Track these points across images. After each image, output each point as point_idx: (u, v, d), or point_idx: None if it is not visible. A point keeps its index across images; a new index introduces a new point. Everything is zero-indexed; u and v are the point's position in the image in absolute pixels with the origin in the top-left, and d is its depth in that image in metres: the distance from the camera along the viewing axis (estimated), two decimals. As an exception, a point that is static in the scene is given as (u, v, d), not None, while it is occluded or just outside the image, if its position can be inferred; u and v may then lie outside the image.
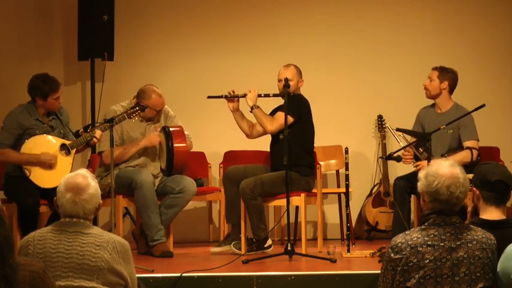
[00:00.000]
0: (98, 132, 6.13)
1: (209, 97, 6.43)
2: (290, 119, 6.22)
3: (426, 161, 6.10)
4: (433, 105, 6.69)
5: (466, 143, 6.44)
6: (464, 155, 6.33)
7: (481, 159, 6.30)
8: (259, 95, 6.38)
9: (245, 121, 6.55)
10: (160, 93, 6.46)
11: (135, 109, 6.18)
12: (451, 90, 6.61)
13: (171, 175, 6.44)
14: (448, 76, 6.58)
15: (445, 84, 6.57)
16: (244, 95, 6.39)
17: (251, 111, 6.36)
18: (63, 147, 6.21)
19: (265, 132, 6.55)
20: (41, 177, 6.12)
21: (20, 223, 6.07)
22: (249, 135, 6.60)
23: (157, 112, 6.48)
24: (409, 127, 6.74)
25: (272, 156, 6.52)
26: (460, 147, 6.46)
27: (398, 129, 6.50)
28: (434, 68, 6.63)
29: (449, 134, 6.47)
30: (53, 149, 6.19)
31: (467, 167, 6.00)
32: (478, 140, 6.47)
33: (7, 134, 6.19)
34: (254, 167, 6.54)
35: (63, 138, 6.29)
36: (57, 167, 6.15)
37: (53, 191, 3.68)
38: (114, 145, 5.92)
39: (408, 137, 6.59)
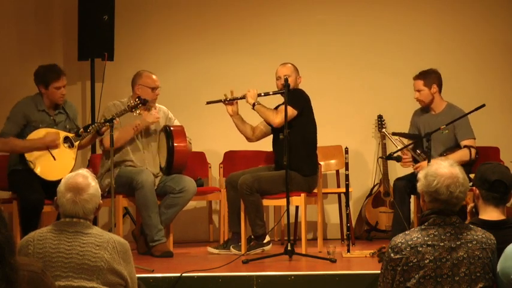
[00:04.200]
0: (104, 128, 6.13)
1: (208, 103, 6.45)
2: (294, 112, 6.24)
3: (426, 162, 6.11)
4: (426, 108, 6.67)
5: (463, 142, 6.45)
6: (462, 154, 6.35)
7: (481, 159, 6.30)
8: (259, 94, 6.39)
9: (246, 125, 6.55)
10: (152, 73, 6.52)
11: (136, 101, 6.21)
12: (440, 90, 6.60)
13: (170, 174, 6.45)
14: (434, 78, 6.56)
15: (434, 87, 6.56)
16: (243, 97, 6.39)
17: (253, 108, 6.35)
18: (66, 139, 6.23)
19: (266, 135, 6.57)
20: (45, 170, 6.12)
21: (22, 219, 6.05)
22: (251, 139, 6.60)
23: (153, 91, 6.48)
24: (409, 128, 6.76)
25: (275, 155, 6.51)
26: (456, 146, 6.47)
27: (394, 134, 6.52)
28: (416, 77, 6.58)
29: (445, 134, 6.47)
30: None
31: (466, 165, 6.05)
32: (474, 139, 6.48)
33: (12, 124, 6.21)
34: (256, 170, 6.53)
35: (69, 133, 6.31)
36: (61, 159, 6.16)
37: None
38: (113, 142, 5.93)
39: (406, 140, 6.59)
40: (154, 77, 6.53)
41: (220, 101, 6.44)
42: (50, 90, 6.23)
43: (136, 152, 6.50)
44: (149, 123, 6.46)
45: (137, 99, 6.27)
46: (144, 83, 6.48)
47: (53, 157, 6.17)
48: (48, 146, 6.15)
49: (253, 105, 6.34)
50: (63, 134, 6.25)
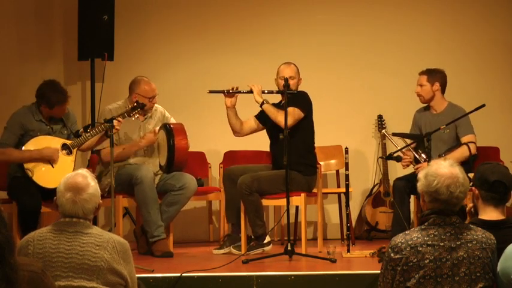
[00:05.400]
0: (116, 122, 6.08)
1: (210, 92, 6.41)
2: (301, 114, 6.25)
3: (426, 163, 6.10)
4: (427, 107, 6.68)
5: (463, 139, 6.44)
6: (461, 151, 6.34)
7: (481, 159, 6.29)
8: (263, 91, 6.37)
9: (237, 119, 6.53)
10: (150, 82, 6.50)
11: (134, 106, 6.21)
12: (443, 90, 6.60)
13: (170, 172, 6.45)
14: (438, 77, 6.57)
15: (437, 85, 6.56)
16: (249, 92, 6.36)
17: (261, 107, 6.33)
18: (64, 147, 6.22)
19: (254, 131, 6.56)
20: (43, 178, 6.12)
21: (20, 224, 6.07)
22: (238, 133, 6.56)
23: (150, 100, 6.48)
24: (409, 127, 6.75)
25: (273, 156, 6.51)
26: (458, 145, 6.46)
27: (394, 134, 6.52)
28: (422, 73, 6.61)
29: (446, 134, 6.46)
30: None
31: (466, 162, 6.03)
32: (474, 134, 6.47)
33: (10, 134, 6.22)
34: (255, 166, 6.53)
35: (67, 139, 6.30)
36: (60, 167, 6.16)
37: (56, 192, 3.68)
38: (113, 142, 5.93)
39: (407, 140, 6.58)
40: (152, 85, 6.50)
41: (222, 91, 6.40)
42: (54, 110, 6.24)
43: (135, 154, 6.50)
44: (152, 143, 6.49)
45: (135, 103, 6.25)
46: (142, 92, 6.45)
47: (51, 164, 6.18)
48: (45, 159, 6.14)
49: (262, 103, 6.32)
50: (61, 141, 6.24)
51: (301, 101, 6.29)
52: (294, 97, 6.18)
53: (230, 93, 6.40)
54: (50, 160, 6.15)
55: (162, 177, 6.48)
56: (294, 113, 6.19)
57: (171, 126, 6.47)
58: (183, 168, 6.51)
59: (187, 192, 6.38)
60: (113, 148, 5.90)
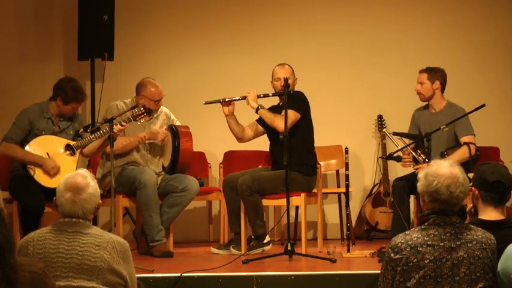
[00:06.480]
0: (116, 128, 6.06)
1: (206, 103, 6.42)
2: (297, 116, 6.25)
3: (426, 164, 6.09)
4: (426, 106, 6.68)
5: (463, 139, 6.43)
6: (462, 152, 6.32)
7: (481, 159, 6.29)
8: (259, 96, 6.38)
9: (239, 125, 6.54)
10: (157, 84, 6.50)
11: (141, 111, 6.18)
12: (442, 89, 6.61)
13: (173, 173, 6.45)
14: (438, 75, 6.57)
15: (437, 84, 6.56)
16: (243, 98, 6.38)
17: (257, 112, 6.34)
18: (68, 147, 6.22)
19: (256, 136, 6.57)
20: (45, 177, 6.12)
21: (22, 223, 6.07)
22: (241, 139, 6.59)
23: (156, 103, 6.48)
24: (409, 127, 6.76)
25: (273, 157, 6.51)
26: (457, 144, 6.46)
27: (395, 133, 6.51)
28: (422, 71, 6.61)
29: (444, 133, 6.45)
30: (57, 149, 6.19)
31: (467, 163, 6.03)
32: (474, 135, 6.47)
33: (17, 130, 6.21)
34: (253, 170, 6.53)
35: (71, 140, 6.29)
36: (62, 167, 6.15)
37: None
38: (113, 142, 5.91)
39: (407, 140, 6.59)
40: (159, 88, 6.49)
41: (218, 101, 6.42)
42: (67, 107, 6.24)
43: (139, 152, 6.50)
44: (155, 140, 6.47)
45: (142, 109, 6.22)
46: (149, 94, 6.45)
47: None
48: (44, 170, 6.12)
49: (257, 109, 6.33)
50: (64, 141, 6.24)
51: (298, 101, 6.29)
52: (291, 98, 6.17)
53: (226, 102, 6.40)
54: (47, 173, 6.12)
55: (164, 178, 6.48)
56: (291, 116, 6.18)
57: (177, 127, 6.48)
58: (186, 170, 6.52)
59: (189, 194, 6.38)
60: (113, 148, 5.90)
